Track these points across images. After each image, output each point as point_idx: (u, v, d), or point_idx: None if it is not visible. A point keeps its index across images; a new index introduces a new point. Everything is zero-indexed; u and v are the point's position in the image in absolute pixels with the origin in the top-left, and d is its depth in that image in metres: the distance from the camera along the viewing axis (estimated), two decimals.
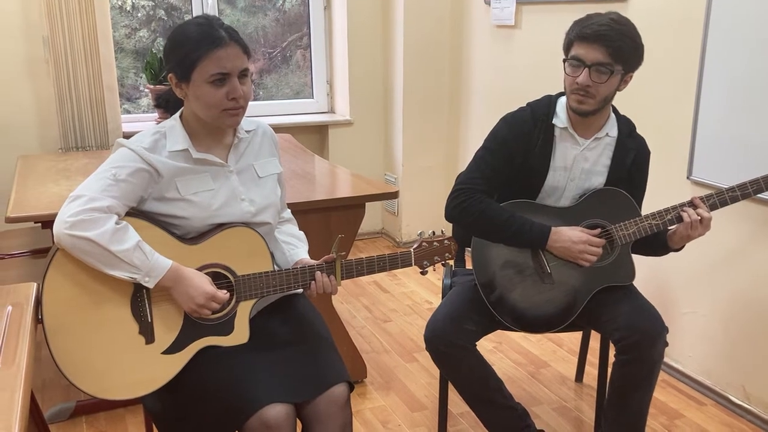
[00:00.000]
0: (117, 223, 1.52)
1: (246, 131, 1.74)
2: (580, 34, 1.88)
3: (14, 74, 3.46)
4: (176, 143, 1.63)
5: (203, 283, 1.58)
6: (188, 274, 1.57)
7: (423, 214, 4.26)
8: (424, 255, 1.83)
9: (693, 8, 2.49)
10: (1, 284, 1.65)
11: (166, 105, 1.73)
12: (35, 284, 1.60)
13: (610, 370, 2.03)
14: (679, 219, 1.95)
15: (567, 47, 1.94)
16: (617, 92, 1.96)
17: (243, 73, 1.59)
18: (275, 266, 1.71)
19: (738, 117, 2.36)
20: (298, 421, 1.61)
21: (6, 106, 3.47)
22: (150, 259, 1.53)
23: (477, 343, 2.01)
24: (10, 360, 1.25)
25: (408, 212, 4.26)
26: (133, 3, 3.96)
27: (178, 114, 1.68)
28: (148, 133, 1.63)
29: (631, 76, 1.94)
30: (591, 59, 1.86)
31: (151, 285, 1.54)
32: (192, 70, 1.56)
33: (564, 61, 1.94)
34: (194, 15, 3.99)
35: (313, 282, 1.70)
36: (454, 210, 2.02)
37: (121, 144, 1.61)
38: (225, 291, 1.62)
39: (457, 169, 3.85)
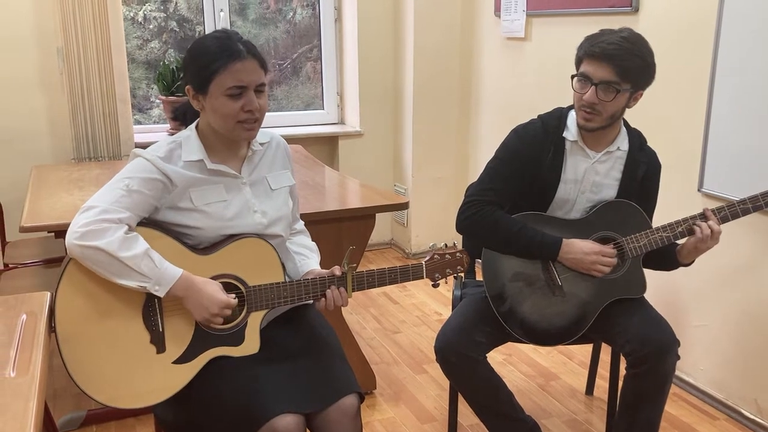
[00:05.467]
0: (126, 233, 1.53)
1: (260, 144, 1.75)
2: (589, 51, 1.88)
3: (29, 85, 3.49)
4: (192, 153, 1.64)
5: (216, 292, 1.59)
6: (199, 282, 1.58)
7: (432, 225, 4.26)
8: (436, 267, 1.83)
9: (704, 20, 2.50)
10: (14, 293, 1.66)
11: (184, 118, 1.74)
12: (49, 293, 1.61)
13: (620, 383, 2.03)
14: (690, 231, 1.94)
15: (577, 63, 1.94)
16: (627, 109, 1.96)
17: (259, 88, 1.61)
18: (286, 277, 1.72)
19: (749, 129, 2.36)
20: None
21: (20, 117, 3.50)
22: (159, 267, 1.54)
23: (487, 355, 2.00)
24: (24, 368, 1.26)
25: (417, 223, 4.27)
26: (145, 14, 4.00)
27: (194, 125, 1.70)
28: (164, 143, 1.65)
29: (641, 94, 1.94)
30: (598, 77, 1.87)
31: (161, 294, 1.54)
32: (209, 83, 1.58)
33: (572, 77, 1.94)
34: (206, 27, 4.02)
35: (323, 300, 1.71)
36: (465, 222, 2.02)
37: (137, 154, 1.62)
38: (233, 295, 1.62)
39: (467, 180, 3.85)
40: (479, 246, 2.04)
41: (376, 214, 2.51)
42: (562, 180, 2.02)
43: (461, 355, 1.96)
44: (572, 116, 2.03)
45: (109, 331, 1.56)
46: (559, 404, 2.65)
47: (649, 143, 2.09)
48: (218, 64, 1.56)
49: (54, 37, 3.43)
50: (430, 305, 3.59)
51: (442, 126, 4.19)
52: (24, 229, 2.19)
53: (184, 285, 1.56)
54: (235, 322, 1.65)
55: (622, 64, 1.84)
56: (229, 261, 1.64)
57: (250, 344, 1.66)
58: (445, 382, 2.41)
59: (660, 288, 2.72)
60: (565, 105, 2.08)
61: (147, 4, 3.98)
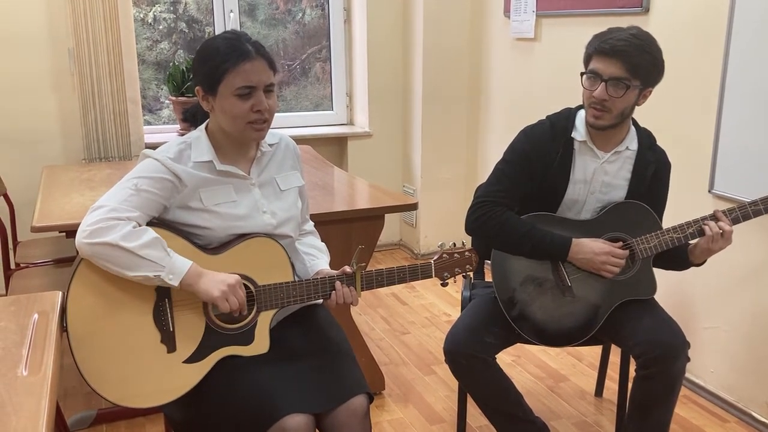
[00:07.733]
0: (134, 228, 1.54)
1: (269, 145, 1.76)
2: (598, 48, 1.88)
3: (40, 86, 3.52)
4: (201, 154, 1.65)
5: (229, 275, 1.59)
6: (210, 270, 1.59)
7: (441, 225, 4.26)
8: (445, 267, 1.83)
9: (715, 19, 2.48)
10: (26, 292, 1.67)
11: (194, 119, 1.75)
12: (60, 293, 1.62)
13: (630, 384, 2.02)
14: (701, 232, 1.93)
15: (586, 61, 1.94)
16: (636, 107, 1.95)
17: (268, 88, 1.62)
18: (296, 277, 1.72)
19: (761, 129, 2.34)
20: None
21: (32, 118, 3.53)
22: (170, 256, 1.54)
23: (496, 356, 2.00)
24: (36, 367, 1.27)
25: (426, 224, 4.27)
26: (154, 16, 4.02)
27: (203, 126, 1.70)
28: (174, 144, 1.65)
29: (650, 91, 1.94)
30: (608, 73, 1.87)
31: (175, 282, 1.53)
32: (219, 83, 1.58)
33: (582, 74, 1.94)
34: (215, 27, 4.04)
35: (333, 292, 1.71)
36: (474, 223, 2.02)
37: (147, 154, 1.63)
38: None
39: (476, 181, 3.84)
40: (488, 246, 2.04)
41: (385, 215, 2.51)
42: (571, 180, 2.02)
43: (470, 357, 1.96)
44: (581, 116, 2.03)
45: (120, 331, 1.57)
46: (568, 406, 2.64)
47: (660, 143, 2.08)
48: (228, 64, 1.57)
49: (65, 38, 3.46)
50: (438, 306, 3.58)
51: (451, 127, 4.18)
52: (35, 229, 2.21)
53: (196, 272, 1.56)
54: (244, 322, 1.65)
55: (631, 60, 1.84)
56: (238, 260, 1.65)
57: (260, 344, 1.67)
58: (454, 383, 2.41)
59: (670, 289, 2.71)
60: (574, 105, 2.08)
61: (157, 6, 4.00)
